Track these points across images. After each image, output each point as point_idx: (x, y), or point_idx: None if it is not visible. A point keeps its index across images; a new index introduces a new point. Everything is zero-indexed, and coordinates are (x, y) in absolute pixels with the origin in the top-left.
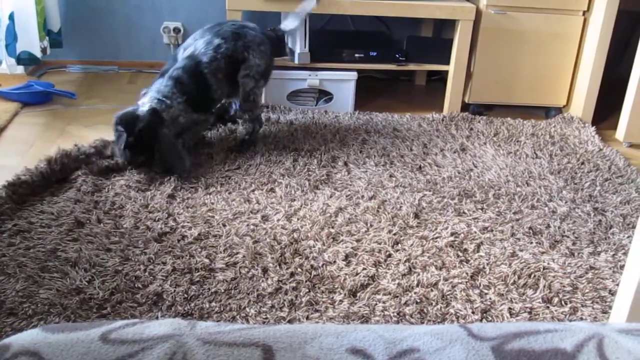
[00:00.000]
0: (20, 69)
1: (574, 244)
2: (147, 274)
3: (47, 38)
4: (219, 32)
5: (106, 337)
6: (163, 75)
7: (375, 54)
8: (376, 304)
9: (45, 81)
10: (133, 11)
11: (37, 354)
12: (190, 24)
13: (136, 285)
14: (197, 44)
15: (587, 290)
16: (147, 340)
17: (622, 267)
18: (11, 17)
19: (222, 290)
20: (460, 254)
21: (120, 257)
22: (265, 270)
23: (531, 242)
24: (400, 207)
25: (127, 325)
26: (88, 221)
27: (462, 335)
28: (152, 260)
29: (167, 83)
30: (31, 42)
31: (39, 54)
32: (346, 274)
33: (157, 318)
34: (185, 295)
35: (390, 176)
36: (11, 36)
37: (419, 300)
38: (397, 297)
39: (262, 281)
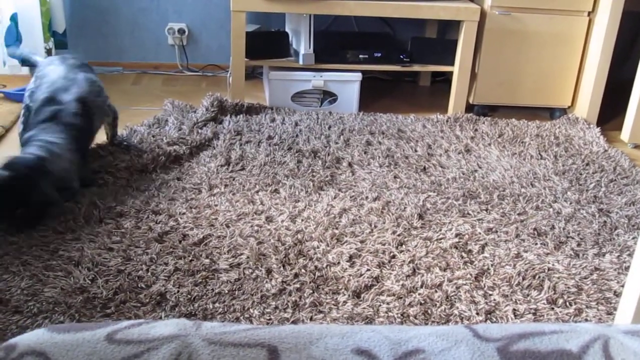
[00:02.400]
0: (25, 70)
1: (578, 245)
2: (149, 274)
3: (52, 39)
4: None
5: (112, 337)
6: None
7: (379, 55)
8: (380, 305)
9: None
10: (138, 12)
11: (43, 354)
12: (194, 25)
13: (139, 285)
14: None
15: (591, 292)
16: (153, 341)
17: (627, 268)
18: (14, 18)
19: (226, 291)
20: (465, 255)
21: (122, 257)
22: (269, 271)
23: (536, 243)
24: (405, 208)
25: (132, 325)
26: (89, 221)
27: (468, 336)
28: (154, 261)
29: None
30: (35, 43)
31: (43, 56)
32: (350, 275)
33: (161, 318)
34: (189, 296)
35: (395, 177)
36: (14, 37)
37: (423, 302)
38: (402, 298)
39: (266, 282)
